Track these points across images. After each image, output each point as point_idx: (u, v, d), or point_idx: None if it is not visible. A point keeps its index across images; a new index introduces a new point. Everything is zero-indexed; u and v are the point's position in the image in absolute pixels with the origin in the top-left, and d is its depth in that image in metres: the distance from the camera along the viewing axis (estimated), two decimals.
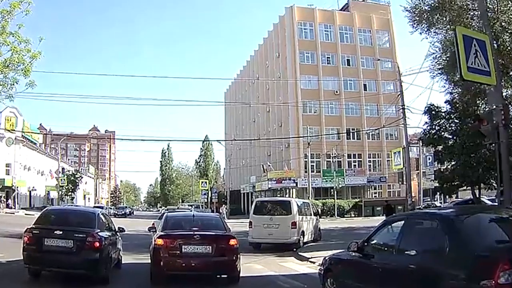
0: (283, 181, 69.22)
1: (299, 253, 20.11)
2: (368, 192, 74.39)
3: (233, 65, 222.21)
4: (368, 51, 75.27)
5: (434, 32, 32.09)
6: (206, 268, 12.78)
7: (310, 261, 17.78)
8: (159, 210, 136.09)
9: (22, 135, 74.00)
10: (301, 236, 22.73)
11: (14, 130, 65.41)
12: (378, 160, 75.09)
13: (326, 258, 10.97)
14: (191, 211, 29.09)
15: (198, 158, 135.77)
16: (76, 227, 12.68)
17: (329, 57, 74.12)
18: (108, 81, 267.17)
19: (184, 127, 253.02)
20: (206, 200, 74.70)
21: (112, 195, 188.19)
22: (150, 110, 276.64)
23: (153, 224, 21.94)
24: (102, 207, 52.22)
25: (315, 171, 65.59)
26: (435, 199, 61.65)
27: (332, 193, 62.74)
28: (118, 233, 15.70)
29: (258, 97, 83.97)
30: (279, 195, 75.56)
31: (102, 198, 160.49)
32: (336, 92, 71.64)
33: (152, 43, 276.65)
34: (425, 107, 30.49)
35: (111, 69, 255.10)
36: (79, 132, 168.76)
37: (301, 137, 64.02)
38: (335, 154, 64.23)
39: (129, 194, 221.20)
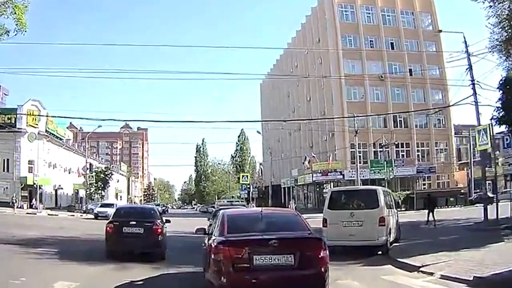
0: (329, 174, 65.01)
1: (398, 260, 15.31)
2: (417, 183, 70.15)
3: (268, 55, 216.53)
4: (412, 34, 71.58)
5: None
6: (286, 285, 9.15)
7: (424, 272, 13.11)
8: (194, 208, 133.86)
9: (46, 130, 71.06)
10: (389, 236, 17.82)
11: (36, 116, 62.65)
12: (426, 150, 71.20)
13: None
14: (246, 207, 25.26)
15: (234, 153, 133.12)
16: (144, 218, 17.68)
17: (372, 41, 70.42)
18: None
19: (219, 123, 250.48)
20: (246, 196, 71.12)
21: (145, 193, 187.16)
22: (182, 104, 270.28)
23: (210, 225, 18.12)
24: (112, 205, 51.44)
25: (361, 162, 61.24)
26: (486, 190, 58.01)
27: (383, 185, 58.47)
28: (165, 224, 18.90)
29: (297, 86, 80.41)
30: (324, 189, 72.08)
31: (135, 196, 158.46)
32: (381, 76, 67.36)
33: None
34: (500, 80, 26.97)
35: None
36: (111, 130, 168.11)
37: (346, 117, 59.68)
38: (384, 142, 60.21)
39: (162, 192, 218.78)
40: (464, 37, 31.26)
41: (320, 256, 9.23)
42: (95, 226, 34.66)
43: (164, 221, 19.01)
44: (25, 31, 16.69)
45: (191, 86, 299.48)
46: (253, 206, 48.44)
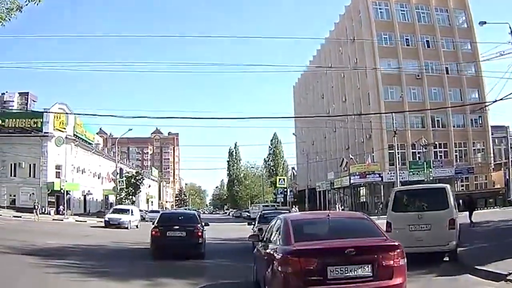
0: (367, 176, 63.59)
1: (477, 267, 13.27)
2: (455, 184, 68.05)
3: (301, 56, 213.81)
4: (446, 32, 69.57)
5: None
6: None
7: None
8: (226, 213, 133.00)
9: (74, 134, 70.08)
10: (457, 240, 16.06)
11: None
12: (464, 150, 69.20)
13: None
14: (290, 211, 23.81)
15: (267, 157, 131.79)
16: (186, 223, 19.61)
17: (407, 38, 68.46)
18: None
19: (252, 123, 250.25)
20: (282, 200, 69.83)
21: (177, 198, 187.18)
22: (214, 107, 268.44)
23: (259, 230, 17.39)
24: (127, 210, 46.69)
25: (399, 163, 59.53)
26: None
27: None
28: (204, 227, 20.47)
29: (332, 87, 79.25)
30: (361, 192, 70.76)
31: (166, 202, 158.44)
32: (418, 76, 66.06)
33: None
34: None
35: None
36: (142, 136, 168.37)
37: (384, 113, 58.77)
38: (424, 143, 58.61)
39: (194, 197, 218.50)
40: (510, 27, 29.97)
41: (398, 265, 8.19)
42: (115, 235, 33.03)
43: (204, 224, 20.79)
44: (39, 2, 14.27)
45: (222, 86, 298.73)
46: (296, 211, 46.84)
